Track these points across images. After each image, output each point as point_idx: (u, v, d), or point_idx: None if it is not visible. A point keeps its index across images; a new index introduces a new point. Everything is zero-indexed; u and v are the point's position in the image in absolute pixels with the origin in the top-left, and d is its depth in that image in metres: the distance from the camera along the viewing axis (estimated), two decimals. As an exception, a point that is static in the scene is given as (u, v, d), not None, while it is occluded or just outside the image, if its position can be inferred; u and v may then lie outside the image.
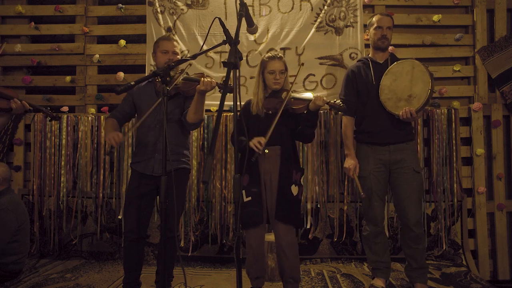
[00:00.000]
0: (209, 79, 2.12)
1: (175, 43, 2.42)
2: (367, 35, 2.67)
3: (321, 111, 3.31)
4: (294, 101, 2.27)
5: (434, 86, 2.41)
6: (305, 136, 2.32)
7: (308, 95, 2.28)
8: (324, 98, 2.19)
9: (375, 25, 2.59)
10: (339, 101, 2.21)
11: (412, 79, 2.41)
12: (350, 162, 2.56)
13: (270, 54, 2.35)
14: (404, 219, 2.52)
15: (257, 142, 2.17)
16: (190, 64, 2.12)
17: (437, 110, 3.31)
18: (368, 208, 2.59)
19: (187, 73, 2.33)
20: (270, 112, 2.30)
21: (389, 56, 2.62)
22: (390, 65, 2.53)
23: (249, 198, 2.23)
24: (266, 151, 2.25)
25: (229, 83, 1.57)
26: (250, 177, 2.27)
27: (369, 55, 2.67)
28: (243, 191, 2.25)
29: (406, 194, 2.49)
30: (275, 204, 2.23)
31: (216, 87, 2.18)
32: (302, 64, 2.56)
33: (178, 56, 2.40)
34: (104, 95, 3.54)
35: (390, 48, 3.41)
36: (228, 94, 1.55)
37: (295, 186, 2.26)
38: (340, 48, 3.39)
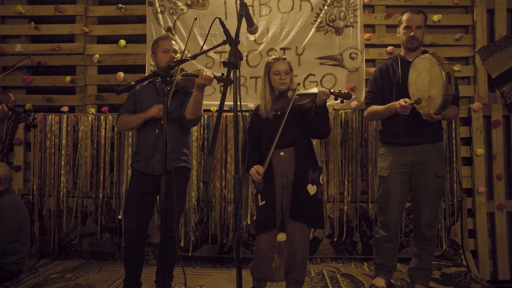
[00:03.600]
0: (207, 73, 2.14)
1: (173, 41, 2.43)
2: (398, 33, 2.56)
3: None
4: (299, 97, 2.27)
5: (453, 87, 2.18)
6: (319, 132, 2.29)
7: (313, 89, 2.27)
8: (327, 89, 2.18)
9: (404, 24, 2.47)
10: (343, 89, 2.20)
11: (430, 79, 2.23)
12: (397, 102, 2.34)
13: (275, 56, 2.38)
14: (416, 219, 2.51)
15: (255, 172, 2.20)
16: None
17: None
18: (383, 210, 2.53)
19: (183, 69, 2.34)
20: (279, 112, 2.30)
21: (421, 54, 2.44)
22: None
23: (264, 202, 2.23)
24: (281, 153, 2.25)
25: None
26: (265, 181, 2.25)
27: (400, 53, 2.57)
28: (258, 195, 2.25)
29: (423, 196, 2.43)
30: (289, 204, 2.22)
31: (215, 80, 2.20)
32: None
33: (178, 55, 2.41)
34: (104, 95, 3.54)
35: (390, 48, 3.42)
36: (228, 94, 1.55)
37: (312, 185, 2.23)
38: (340, 48, 3.39)
